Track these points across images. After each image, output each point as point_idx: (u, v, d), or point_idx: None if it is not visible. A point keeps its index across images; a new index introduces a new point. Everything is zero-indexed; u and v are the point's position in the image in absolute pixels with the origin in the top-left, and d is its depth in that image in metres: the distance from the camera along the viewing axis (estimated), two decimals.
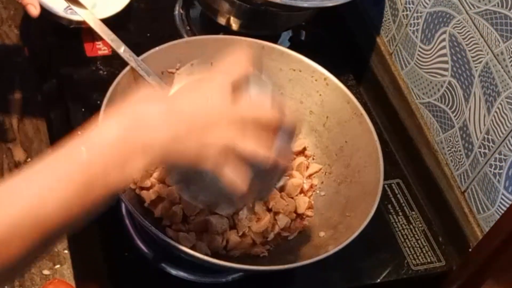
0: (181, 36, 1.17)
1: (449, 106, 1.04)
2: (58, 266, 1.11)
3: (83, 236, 1.05)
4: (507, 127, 0.92)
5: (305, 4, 1.07)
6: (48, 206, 0.55)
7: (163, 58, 0.97)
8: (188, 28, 1.19)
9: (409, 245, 1.02)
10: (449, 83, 1.03)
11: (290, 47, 1.06)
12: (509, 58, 0.90)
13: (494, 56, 0.93)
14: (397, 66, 1.16)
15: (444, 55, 1.03)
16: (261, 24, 1.14)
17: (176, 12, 1.21)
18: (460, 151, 1.02)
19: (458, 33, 1.00)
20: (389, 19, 1.17)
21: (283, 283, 0.96)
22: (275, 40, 1.16)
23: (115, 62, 1.10)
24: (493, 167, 0.95)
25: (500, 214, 0.94)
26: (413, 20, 1.10)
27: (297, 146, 1.02)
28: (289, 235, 0.94)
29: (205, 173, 0.64)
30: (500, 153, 0.94)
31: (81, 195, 0.57)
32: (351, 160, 0.97)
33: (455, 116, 1.03)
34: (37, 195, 0.55)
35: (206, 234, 0.89)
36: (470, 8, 0.97)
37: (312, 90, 1.01)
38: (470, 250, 0.99)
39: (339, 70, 1.03)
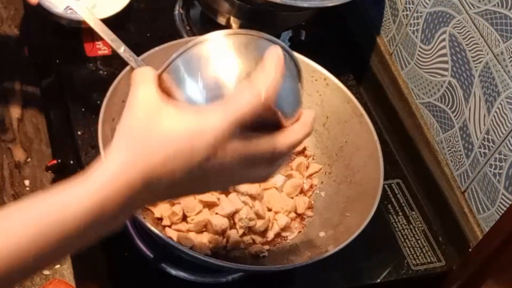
0: (181, 36, 1.17)
1: (449, 106, 1.04)
2: (58, 266, 1.11)
3: None
4: (507, 127, 0.92)
5: (305, 4, 1.07)
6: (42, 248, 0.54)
7: (163, 58, 0.97)
8: (188, 28, 1.19)
9: (409, 245, 1.02)
10: (449, 83, 1.03)
11: (290, 47, 1.05)
12: (509, 58, 0.90)
13: (494, 56, 0.93)
14: (397, 66, 1.16)
15: (444, 55, 1.03)
16: (261, 24, 1.13)
17: (176, 12, 1.21)
18: (460, 151, 1.02)
19: (458, 33, 1.00)
20: (389, 19, 1.17)
21: (283, 283, 0.96)
22: None
23: (115, 62, 1.10)
24: (493, 167, 0.95)
25: (500, 214, 0.94)
26: (413, 20, 1.10)
27: None
28: (289, 235, 0.94)
29: None
30: (500, 153, 0.94)
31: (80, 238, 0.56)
32: (351, 160, 0.97)
33: (455, 116, 1.03)
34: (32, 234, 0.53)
35: (206, 234, 0.89)
36: (470, 8, 0.97)
37: (312, 90, 1.01)
38: (470, 250, 0.99)
39: (339, 70, 1.03)
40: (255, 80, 0.58)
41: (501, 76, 0.92)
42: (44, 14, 1.10)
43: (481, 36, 0.95)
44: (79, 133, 1.02)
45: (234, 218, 0.91)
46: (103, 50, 1.12)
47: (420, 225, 1.04)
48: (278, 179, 0.97)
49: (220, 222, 0.89)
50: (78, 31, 1.12)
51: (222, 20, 1.14)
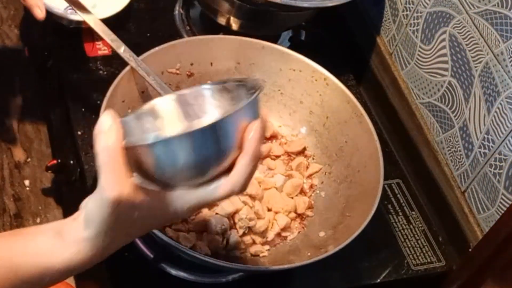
0: (181, 36, 1.17)
1: (449, 106, 1.04)
2: None
3: None
4: (507, 127, 0.92)
5: (305, 4, 1.07)
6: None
7: (163, 58, 0.97)
8: (188, 28, 1.19)
9: (409, 245, 1.02)
10: (449, 83, 1.03)
11: (290, 47, 1.06)
12: (509, 58, 0.90)
13: (494, 56, 0.93)
14: (397, 66, 1.16)
15: (444, 55, 1.03)
16: (261, 24, 1.14)
17: (176, 12, 1.21)
18: (460, 151, 1.02)
19: (458, 33, 1.00)
20: (389, 19, 1.17)
21: (283, 283, 0.96)
22: (275, 40, 1.16)
23: (115, 62, 1.10)
24: (493, 167, 0.95)
25: (500, 214, 0.94)
26: (413, 20, 1.10)
27: (297, 146, 1.02)
28: (289, 235, 0.94)
29: None
30: (500, 153, 0.94)
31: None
32: (351, 160, 0.97)
33: (455, 116, 1.03)
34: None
35: (206, 234, 0.89)
36: (470, 8, 0.97)
37: (312, 90, 1.01)
38: (470, 250, 0.99)
39: (339, 70, 1.03)
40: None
41: (501, 76, 0.92)
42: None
43: (481, 36, 0.95)
44: (79, 133, 1.02)
45: (234, 218, 0.91)
46: (103, 50, 1.12)
47: (420, 225, 1.04)
48: (278, 179, 0.97)
49: (220, 222, 0.89)
50: (78, 31, 1.12)
51: (222, 20, 1.14)
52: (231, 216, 0.91)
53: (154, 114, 0.71)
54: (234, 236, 0.90)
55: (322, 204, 0.97)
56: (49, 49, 1.11)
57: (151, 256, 0.91)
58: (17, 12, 1.41)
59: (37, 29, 1.18)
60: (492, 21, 0.93)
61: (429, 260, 1.00)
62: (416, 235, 1.03)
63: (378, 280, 0.98)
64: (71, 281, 1.09)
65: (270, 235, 0.92)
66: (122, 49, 0.97)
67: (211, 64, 1.00)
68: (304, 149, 1.02)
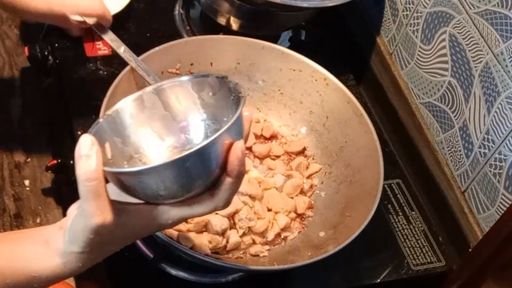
0: (181, 36, 1.17)
1: (449, 106, 1.04)
2: None
3: None
4: (507, 127, 0.92)
5: (305, 4, 1.07)
6: None
7: (163, 58, 0.97)
8: (188, 28, 1.19)
9: (409, 245, 1.02)
10: (449, 83, 1.03)
11: (290, 47, 1.06)
12: (509, 58, 0.90)
13: (494, 56, 0.93)
14: (397, 66, 1.16)
15: (444, 55, 1.03)
16: (261, 24, 1.14)
17: (176, 12, 1.21)
18: (460, 151, 1.02)
19: (458, 33, 1.00)
20: (389, 19, 1.17)
21: (283, 283, 0.96)
22: (275, 40, 1.16)
23: (115, 62, 1.10)
24: (493, 167, 0.95)
25: (500, 214, 0.94)
26: (413, 20, 1.10)
27: (297, 146, 1.02)
28: (289, 235, 0.94)
29: None
30: (500, 153, 0.94)
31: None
32: (351, 160, 0.97)
33: (455, 116, 1.03)
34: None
35: (206, 234, 0.89)
36: (470, 8, 0.97)
37: (312, 90, 1.01)
38: (470, 250, 0.99)
39: (339, 70, 1.03)
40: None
41: (501, 76, 0.92)
42: None
43: (481, 36, 0.95)
44: (79, 133, 1.02)
45: (234, 218, 0.91)
46: (103, 50, 1.12)
47: (420, 225, 1.04)
48: (278, 179, 0.97)
49: (220, 222, 0.89)
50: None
51: (222, 20, 1.14)
52: (231, 216, 0.91)
53: (133, 111, 0.70)
54: (234, 236, 0.90)
55: (322, 204, 0.97)
56: (49, 49, 1.11)
57: (151, 256, 0.91)
58: None
59: (37, 29, 1.17)
60: (492, 21, 0.93)
61: (429, 260, 1.00)
62: (416, 235, 1.03)
63: (378, 280, 0.98)
64: (71, 281, 1.09)
65: (270, 235, 0.92)
66: (122, 49, 0.97)
67: (211, 64, 1.00)
68: (304, 149, 1.02)
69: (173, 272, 0.91)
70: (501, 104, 0.93)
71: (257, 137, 1.02)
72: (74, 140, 1.02)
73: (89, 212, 0.60)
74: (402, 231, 1.03)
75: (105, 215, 0.61)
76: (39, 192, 1.24)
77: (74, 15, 1.01)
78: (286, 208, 0.94)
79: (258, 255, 0.91)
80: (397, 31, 1.15)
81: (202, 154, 0.60)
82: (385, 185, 1.07)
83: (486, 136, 0.96)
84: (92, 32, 1.13)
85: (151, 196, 0.62)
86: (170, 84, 0.71)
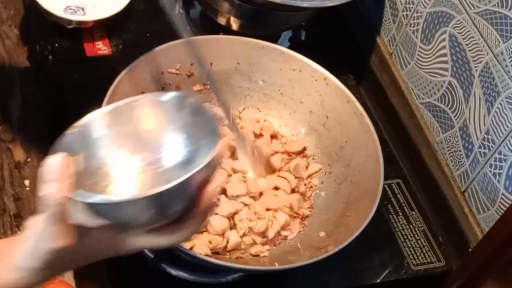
0: (181, 36, 1.17)
1: (449, 106, 1.04)
2: None
3: None
4: (507, 127, 0.92)
5: (305, 4, 1.07)
6: None
7: (163, 58, 0.97)
8: (188, 28, 1.19)
9: (409, 245, 1.02)
10: (449, 83, 1.03)
11: (290, 47, 1.06)
12: (509, 58, 0.90)
13: (494, 56, 0.93)
14: (397, 66, 1.16)
15: (444, 55, 1.03)
16: (261, 24, 1.14)
17: (176, 12, 1.20)
18: (460, 151, 1.02)
19: (458, 33, 1.00)
20: (389, 19, 1.17)
21: (283, 283, 0.96)
22: (275, 40, 1.16)
23: (115, 62, 1.10)
24: (493, 167, 0.95)
25: (500, 214, 0.94)
26: (413, 20, 1.10)
27: (297, 146, 1.02)
28: (289, 234, 0.94)
29: None
30: (500, 153, 0.94)
31: None
32: (351, 160, 0.97)
33: (455, 116, 1.02)
34: None
35: (206, 235, 0.89)
36: (470, 8, 0.97)
37: (312, 90, 1.01)
38: (470, 250, 0.99)
39: (339, 70, 1.03)
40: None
41: (501, 76, 0.92)
42: (44, 14, 1.10)
43: (481, 36, 0.95)
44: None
45: (234, 218, 0.91)
46: (103, 50, 1.12)
47: (420, 225, 1.04)
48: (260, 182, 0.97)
49: (220, 222, 0.89)
50: (78, 31, 1.12)
51: (222, 20, 1.14)
52: (231, 216, 0.91)
53: (104, 125, 0.68)
54: (234, 236, 0.90)
55: (322, 204, 0.97)
56: (49, 49, 1.11)
57: (151, 256, 0.91)
58: (17, 12, 1.41)
59: (37, 29, 1.17)
60: (492, 21, 0.93)
61: (429, 260, 1.00)
62: (416, 235, 1.03)
63: (378, 280, 0.98)
64: (71, 281, 1.09)
65: (271, 234, 0.92)
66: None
67: (211, 64, 1.00)
68: (304, 149, 1.02)
69: (173, 272, 0.91)
70: (501, 104, 0.93)
71: (256, 136, 1.02)
72: None
73: (52, 235, 0.60)
74: (402, 231, 1.03)
75: (68, 239, 0.61)
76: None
77: None
78: (284, 203, 0.94)
79: (258, 255, 0.91)
80: (397, 31, 1.15)
81: (173, 191, 0.59)
82: (385, 185, 1.07)
83: (486, 136, 0.96)
84: (92, 32, 1.13)
85: (118, 223, 0.62)
86: (146, 100, 0.68)
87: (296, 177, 0.98)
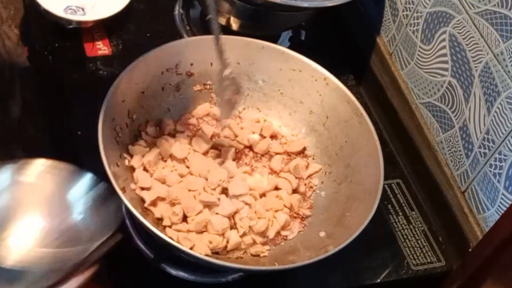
0: (181, 36, 1.17)
1: (449, 106, 1.04)
2: None
3: None
4: (507, 127, 0.92)
5: (305, 4, 1.07)
6: None
7: (163, 58, 0.97)
8: (188, 28, 1.19)
9: (409, 245, 1.02)
10: (449, 83, 1.03)
11: (290, 47, 1.06)
12: (509, 58, 0.90)
13: (494, 56, 0.93)
14: (397, 66, 1.16)
15: (444, 55, 1.03)
16: (261, 24, 1.14)
17: (176, 12, 1.21)
18: (460, 151, 1.02)
19: (458, 33, 1.00)
20: (389, 19, 1.17)
21: (283, 283, 0.96)
22: (275, 40, 1.16)
23: (115, 62, 1.10)
24: (493, 167, 0.95)
25: (500, 214, 0.94)
26: (413, 20, 1.10)
27: (297, 146, 1.02)
28: (289, 234, 0.94)
29: None
30: (500, 153, 0.94)
31: None
32: (351, 160, 0.97)
33: (455, 116, 1.03)
34: None
35: (207, 234, 0.89)
36: (470, 8, 0.97)
37: (312, 90, 1.01)
38: (470, 250, 0.99)
39: (339, 70, 1.03)
40: None
41: (501, 76, 0.92)
42: (44, 14, 1.10)
43: (481, 36, 0.95)
44: (79, 133, 1.02)
45: (235, 218, 0.91)
46: (103, 50, 1.12)
47: (420, 225, 1.04)
48: (262, 180, 0.97)
49: (220, 222, 0.89)
50: (78, 31, 1.12)
51: (222, 20, 1.14)
52: (231, 216, 0.91)
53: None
54: (234, 236, 0.90)
55: (322, 204, 0.97)
56: (49, 49, 1.11)
57: (152, 256, 0.91)
58: (17, 12, 1.41)
59: (37, 29, 1.17)
60: (492, 21, 0.93)
61: (429, 260, 1.00)
62: (416, 235, 1.03)
63: (378, 280, 0.98)
64: None
65: (271, 233, 0.92)
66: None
67: (211, 64, 1.00)
68: (304, 149, 1.02)
69: (173, 272, 0.91)
70: (501, 104, 0.93)
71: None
72: (74, 140, 1.02)
73: None
74: (402, 231, 1.03)
75: None
76: None
77: None
78: (285, 204, 0.94)
79: (258, 255, 0.91)
80: (397, 31, 1.15)
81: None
82: (385, 185, 1.07)
83: (486, 136, 0.96)
84: (92, 32, 1.13)
85: None
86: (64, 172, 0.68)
87: (296, 177, 0.98)
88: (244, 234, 0.91)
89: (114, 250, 0.69)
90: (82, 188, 0.67)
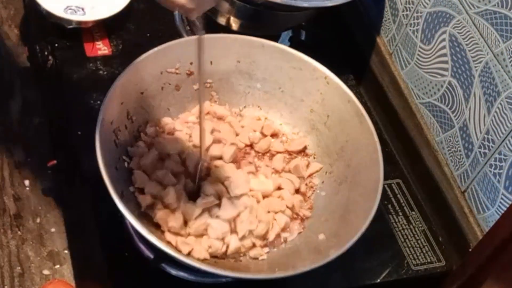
0: (181, 36, 1.17)
1: (449, 106, 1.04)
2: (58, 266, 1.11)
3: (83, 236, 1.05)
4: (507, 127, 0.92)
5: (305, 4, 1.07)
6: None
7: (163, 58, 0.97)
8: (188, 28, 1.19)
9: (409, 245, 1.02)
10: (449, 83, 1.03)
11: (290, 47, 1.06)
12: (509, 58, 0.90)
13: (494, 56, 0.93)
14: (397, 66, 1.16)
15: (444, 55, 1.03)
16: (261, 24, 1.14)
17: (176, 12, 1.20)
18: (460, 151, 1.02)
19: (458, 33, 1.00)
20: (389, 19, 1.17)
21: (283, 283, 0.95)
22: (275, 40, 1.15)
23: (115, 62, 1.10)
24: (493, 167, 0.95)
25: (500, 214, 0.94)
26: (413, 20, 1.10)
27: (298, 144, 1.02)
28: (289, 236, 0.94)
29: None
30: (500, 153, 0.94)
31: None
32: (352, 160, 0.97)
33: (455, 116, 1.02)
34: None
35: (206, 239, 0.89)
36: (470, 8, 0.97)
37: (312, 88, 1.01)
38: (470, 250, 0.99)
39: (339, 70, 1.03)
40: None
41: (501, 76, 0.92)
42: (44, 14, 1.10)
43: (481, 36, 0.95)
44: (79, 133, 1.02)
45: (236, 221, 0.91)
46: (103, 50, 1.12)
47: (420, 225, 1.04)
48: (267, 183, 0.97)
49: (220, 226, 0.89)
50: (78, 31, 1.12)
51: (222, 20, 1.14)
52: (232, 220, 0.90)
53: None
54: (234, 241, 0.89)
55: (322, 204, 0.97)
56: (49, 49, 1.11)
57: (151, 256, 0.91)
58: (17, 12, 1.41)
59: (37, 29, 1.18)
60: (492, 21, 0.93)
61: (429, 260, 1.00)
62: (416, 235, 1.03)
63: (378, 280, 0.98)
64: (71, 281, 1.09)
65: (271, 236, 0.92)
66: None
67: (211, 63, 1.00)
68: (305, 148, 1.02)
69: (173, 272, 0.91)
70: (501, 104, 0.93)
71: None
72: (74, 140, 1.02)
73: None
74: (402, 231, 1.03)
75: None
76: (39, 192, 1.24)
77: None
78: (287, 205, 0.94)
79: (257, 258, 0.91)
80: (397, 31, 1.15)
81: None
82: (385, 185, 1.07)
83: (486, 136, 0.96)
84: (92, 32, 1.13)
85: None
86: None
87: (297, 177, 0.98)
88: (243, 237, 0.90)
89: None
90: None
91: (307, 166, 1.00)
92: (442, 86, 1.05)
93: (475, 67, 0.97)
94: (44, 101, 1.25)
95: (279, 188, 0.96)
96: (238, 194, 0.91)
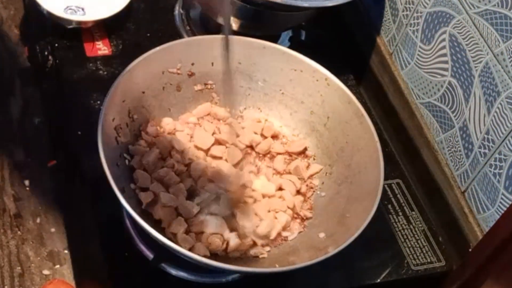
0: (181, 36, 1.17)
1: (449, 106, 1.04)
2: (58, 266, 1.11)
3: (83, 236, 1.05)
4: (507, 127, 0.92)
5: (305, 4, 1.07)
6: None
7: (163, 58, 0.97)
8: (188, 28, 1.19)
9: (409, 245, 1.02)
10: (449, 83, 1.03)
11: (290, 47, 1.06)
12: (509, 58, 0.91)
13: (494, 56, 0.93)
14: (397, 66, 1.16)
15: (444, 55, 1.03)
16: (261, 24, 1.14)
17: (176, 12, 1.21)
18: (460, 151, 1.02)
19: (458, 33, 1.00)
20: (389, 19, 1.17)
21: (283, 283, 0.96)
22: (275, 40, 1.16)
23: (115, 62, 1.10)
24: (493, 167, 0.95)
25: (500, 214, 0.94)
26: (413, 20, 1.10)
27: (298, 146, 1.02)
28: (290, 235, 0.94)
29: None
30: (500, 153, 0.94)
31: None
32: (352, 160, 0.97)
33: (455, 116, 1.03)
34: None
35: (206, 235, 0.89)
36: (470, 8, 0.97)
37: (313, 90, 1.01)
38: (470, 250, 0.99)
39: (339, 70, 1.03)
40: None
41: (501, 76, 0.92)
42: (44, 14, 1.10)
43: (481, 36, 0.95)
44: (79, 133, 1.02)
45: (236, 219, 0.91)
46: (103, 50, 1.12)
47: (420, 225, 1.04)
48: (270, 186, 0.97)
49: (220, 223, 0.89)
50: (78, 31, 1.12)
51: (222, 20, 1.14)
52: (232, 217, 0.91)
53: None
54: (234, 239, 0.89)
55: (322, 205, 0.97)
56: (49, 49, 1.11)
57: (151, 256, 0.91)
58: (17, 12, 1.40)
59: (37, 29, 1.18)
60: (492, 21, 0.93)
61: (429, 260, 1.00)
62: (416, 235, 1.03)
63: (378, 280, 0.98)
64: (71, 280, 1.09)
65: (272, 234, 0.92)
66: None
67: (212, 64, 1.00)
68: (305, 149, 1.02)
69: (173, 272, 0.91)
70: (501, 104, 0.93)
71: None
72: (74, 140, 1.02)
73: None
74: (402, 231, 1.03)
75: None
76: (39, 192, 1.24)
77: None
78: (288, 205, 0.94)
79: (257, 256, 0.91)
80: (397, 31, 1.15)
81: None
82: (385, 185, 1.07)
83: (486, 136, 0.96)
84: (92, 32, 1.13)
85: None
86: None
87: (298, 178, 0.98)
88: (244, 236, 0.91)
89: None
90: None
91: (307, 167, 1.00)
92: (442, 86, 1.05)
93: (475, 67, 0.97)
94: (44, 101, 1.25)
95: (280, 189, 0.96)
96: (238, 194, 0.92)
